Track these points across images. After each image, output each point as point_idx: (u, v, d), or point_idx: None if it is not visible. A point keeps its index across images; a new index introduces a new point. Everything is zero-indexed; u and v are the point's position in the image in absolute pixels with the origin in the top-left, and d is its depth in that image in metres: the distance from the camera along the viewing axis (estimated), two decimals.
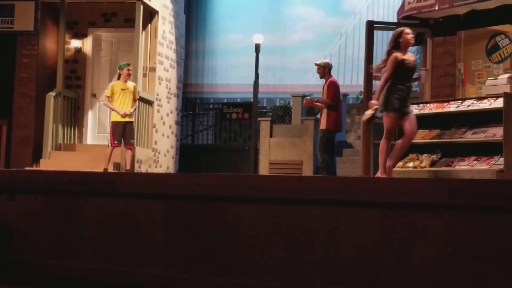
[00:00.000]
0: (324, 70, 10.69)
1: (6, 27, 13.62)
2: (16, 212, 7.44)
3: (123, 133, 11.44)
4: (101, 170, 11.16)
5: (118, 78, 11.63)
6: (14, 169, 11.36)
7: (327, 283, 5.83)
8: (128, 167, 11.53)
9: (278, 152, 14.53)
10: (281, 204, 6.15)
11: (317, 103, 10.96)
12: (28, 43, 13.69)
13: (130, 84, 11.71)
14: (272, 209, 6.19)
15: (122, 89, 11.53)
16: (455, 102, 10.08)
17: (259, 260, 6.18)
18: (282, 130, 15.12)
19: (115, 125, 11.41)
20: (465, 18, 10.78)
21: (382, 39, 18.18)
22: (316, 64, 10.83)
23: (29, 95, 13.64)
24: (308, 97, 11.27)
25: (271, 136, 14.87)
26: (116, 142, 11.44)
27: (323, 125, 10.47)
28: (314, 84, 19.54)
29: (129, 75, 11.65)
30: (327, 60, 10.91)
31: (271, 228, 6.16)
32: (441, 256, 5.39)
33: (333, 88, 10.53)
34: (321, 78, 10.74)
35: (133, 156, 11.81)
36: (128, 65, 11.76)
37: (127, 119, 11.47)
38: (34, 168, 12.90)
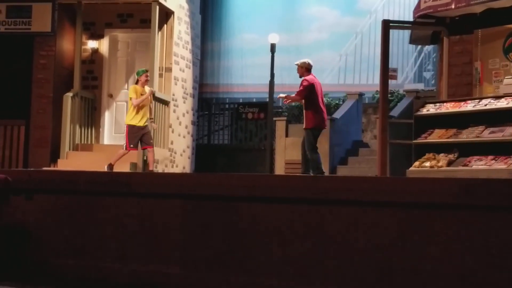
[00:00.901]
0: (302, 69, 10.72)
1: (23, 28, 13.71)
2: (34, 212, 7.51)
3: (140, 136, 11.43)
4: (119, 170, 11.18)
5: (136, 83, 11.59)
6: (32, 169, 11.44)
7: (345, 281, 5.83)
8: (151, 168, 11.50)
9: (294, 151, 14.49)
10: (297, 203, 6.16)
11: (288, 100, 11.23)
12: (46, 44, 13.77)
13: (147, 89, 11.69)
14: (288, 208, 6.21)
15: (141, 94, 11.46)
16: (472, 101, 10.02)
17: (275, 259, 6.19)
18: (298, 129, 15.07)
19: (131, 128, 11.36)
20: (481, 16, 10.71)
21: (398, 38, 18.16)
22: (295, 64, 10.88)
23: (46, 96, 13.72)
24: (281, 95, 11.40)
25: (286, 135, 14.86)
26: (132, 146, 11.36)
27: (305, 124, 10.57)
28: (330, 83, 19.54)
29: (147, 81, 11.63)
30: (305, 60, 10.95)
31: (288, 227, 6.17)
32: (458, 254, 5.38)
33: (302, 84, 10.59)
34: (300, 77, 10.77)
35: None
36: (146, 71, 11.73)
37: (143, 123, 11.40)
38: (51, 168, 12.97)
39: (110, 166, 11.24)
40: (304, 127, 10.60)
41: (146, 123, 11.45)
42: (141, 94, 11.39)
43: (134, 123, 11.33)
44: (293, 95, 10.85)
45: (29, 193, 7.54)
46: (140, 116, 11.38)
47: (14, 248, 7.33)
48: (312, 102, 10.53)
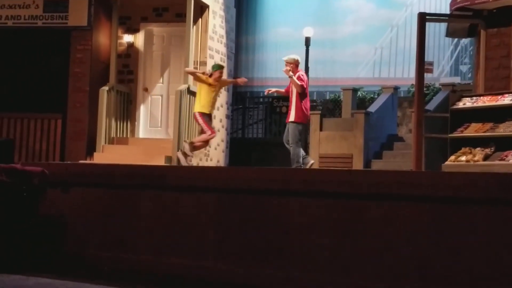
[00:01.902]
0: (292, 65, 10.81)
1: (60, 23, 13.87)
2: (70, 204, 7.61)
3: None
4: (154, 163, 11.27)
5: (210, 76, 11.61)
6: (68, 162, 11.59)
7: (379, 276, 5.82)
8: (194, 141, 11.68)
9: (328, 145, 14.48)
10: (331, 198, 6.15)
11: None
12: (82, 38, 13.91)
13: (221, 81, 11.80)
14: (322, 203, 6.20)
15: (210, 85, 11.47)
16: (509, 95, 9.91)
17: (308, 253, 6.20)
18: (332, 123, 15.06)
19: (202, 115, 11.42)
20: None
21: (434, 31, 18.01)
22: (283, 60, 10.98)
23: (83, 90, 13.86)
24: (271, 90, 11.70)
25: (321, 129, 14.82)
26: (214, 128, 11.69)
27: (293, 118, 10.60)
28: (365, 77, 19.47)
29: (220, 77, 11.66)
30: (293, 56, 11.10)
31: (322, 221, 6.17)
32: (494, 250, 5.33)
33: (301, 79, 10.69)
34: (290, 73, 10.78)
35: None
36: (222, 67, 11.89)
37: (210, 111, 11.59)
38: (87, 161, 13.12)
39: (192, 144, 11.52)
40: (291, 120, 10.62)
41: (212, 113, 11.66)
42: (210, 84, 11.41)
43: (203, 111, 11.42)
44: (283, 89, 11.01)
45: (66, 186, 7.64)
46: (209, 106, 11.49)
47: (51, 241, 7.43)
48: (305, 98, 10.66)
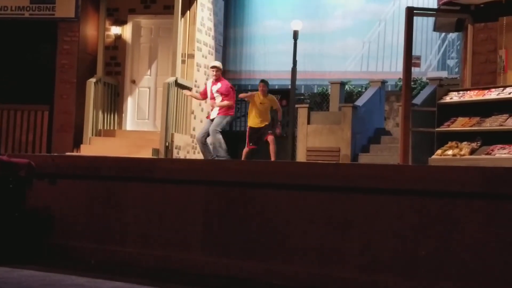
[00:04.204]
0: (220, 72, 11.86)
1: (48, 14, 13.79)
2: (57, 196, 7.58)
3: (260, 135, 11.91)
4: (141, 156, 11.28)
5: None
6: (55, 154, 11.55)
7: (364, 270, 5.84)
8: (273, 158, 11.79)
9: (316, 139, 14.50)
10: (318, 191, 6.16)
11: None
12: (69, 30, 13.85)
13: (268, 98, 12.06)
14: (308, 196, 6.21)
15: (260, 103, 11.95)
16: (496, 89, 9.95)
17: (295, 246, 6.21)
18: (320, 117, 15.08)
19: (250, 129, 12.03)
20: (507, 3, 10.60)
21: (422, 25, 18.03)
22: (215, 66, 11.87)
23: (70, 81, 13.81)
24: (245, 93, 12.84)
25: (308, 123, 14.84)
26: (251, 144, 11.99)
27: (224, 112, 11.64)
28: (353, 70, 19.46)
29: (262, 90, 11.98)
30: (219, 63, 12.22)
31: (308, 215, 6.18)
32: (479, 244, 5.36)
33: (231, 89, 11.82)
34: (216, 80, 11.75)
35: (273, 147, 11.90)
36: (261, 81, 12.22)
37: (260, 125, 11.92)
38: (74, 153, 13.08)
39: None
40: (222, 114, 11.59)
41: (262, 125, 11.98)
42: (260, 103, 11.95)
43: (252, 125, 12.05)
44: (226, 102, 11.68)
45: (52, 177, 7.61)
46: (252, 118, 12.08)
47: (37, 232, 7.41)
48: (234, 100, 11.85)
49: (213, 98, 11.74)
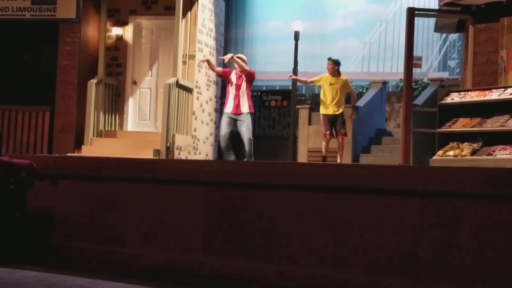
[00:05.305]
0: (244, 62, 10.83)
1: (49, 15, 13.79)
2: (58, 197, 7.58)
3: (334, 123, 10.98)
4: (142, 156, 11.25)
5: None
6: (56, 155, 11.54)
7: (367, 270, 5.83)
8: (339, 160, 11.12)
9: (317, 140, 14.46)
10: (319, 191, 6.16)
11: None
12: (70, 31, 13.85)
13: (340, 79, 11.07)
14: (310, 197, 6.21)
15: (330, 84, 11.00)
16: (497, 90, 9.95)
17: (296, 247, 6.21)
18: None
19: (324, 118, 11.03)
20: (508, 4, 10.60)
21: (423, 26, 18.04)
22: (238, 57, 10.84)
23: (71, 82, 13.80)
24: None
25: (309, 123, 14.83)
26: (327, 132, 11.02)
27: (249, 109, 10.63)
28: (354, 71, 19.46)
29: (332, 70, 11.00)
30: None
31: (309, 215, 6.18)
32: (481, 245, 5.36)
33: (251, 72, 10.84)
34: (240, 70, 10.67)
35: (342, 146, 11.24)
36: (332, 61, 11.18)
37: (335, 111, 10.92)
38: (76, 154, 13.08)
39: (323, 158, 11.18)
40: (248, 111, 10.61)
41: (335, 112, 10.97)
42: (330, 84, 10.97)
43: (323, 112, 11.08)
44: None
45: (54, 178, 7.61)
46: (324, 105, 11.08)
47: (38, 234, 7.41)
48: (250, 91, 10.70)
49: (238, 88, 10.56)
